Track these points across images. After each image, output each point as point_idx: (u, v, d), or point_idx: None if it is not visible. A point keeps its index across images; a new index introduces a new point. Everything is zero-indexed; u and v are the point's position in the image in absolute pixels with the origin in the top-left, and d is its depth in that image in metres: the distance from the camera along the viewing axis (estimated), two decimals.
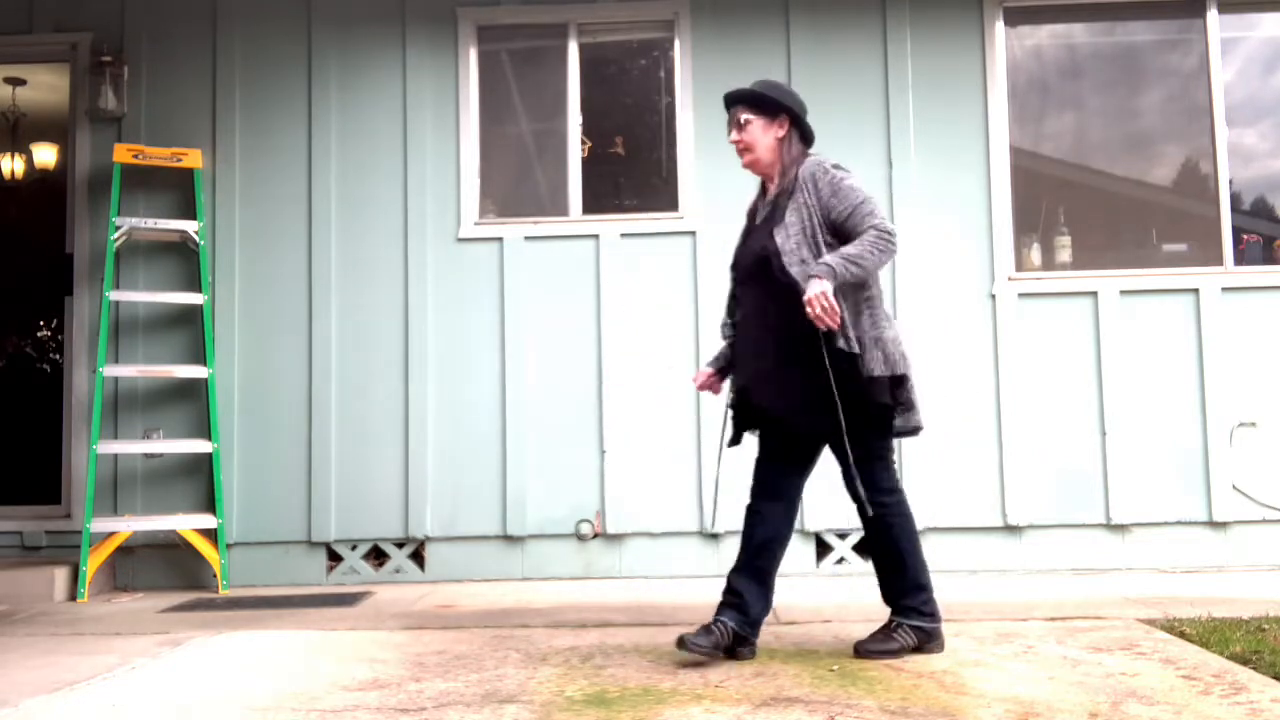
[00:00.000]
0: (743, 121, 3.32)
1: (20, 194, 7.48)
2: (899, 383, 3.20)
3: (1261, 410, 5.02)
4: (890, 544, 3.28)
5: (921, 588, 3.29)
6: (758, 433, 3.41)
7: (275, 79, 5.34)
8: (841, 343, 3.09)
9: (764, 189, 3.43)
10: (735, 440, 3.44)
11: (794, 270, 3.12)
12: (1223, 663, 3.05)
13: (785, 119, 3.31)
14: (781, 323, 3.16)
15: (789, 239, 3.16)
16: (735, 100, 3.36)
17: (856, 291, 3.16)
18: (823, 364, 3.08)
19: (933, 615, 3.28)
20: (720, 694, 2.79)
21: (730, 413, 3.42)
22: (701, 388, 3.50)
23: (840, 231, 3.17)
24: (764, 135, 3.31)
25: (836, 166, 3.24)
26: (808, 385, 3.12)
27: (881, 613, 3.97)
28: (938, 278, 5.12)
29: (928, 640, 3.27)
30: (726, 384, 3.51)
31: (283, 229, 5.27)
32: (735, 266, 3.43)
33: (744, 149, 3.34)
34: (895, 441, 3.35)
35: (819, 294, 3.01)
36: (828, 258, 3.08)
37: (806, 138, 3.37)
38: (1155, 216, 5.37)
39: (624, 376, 5.13)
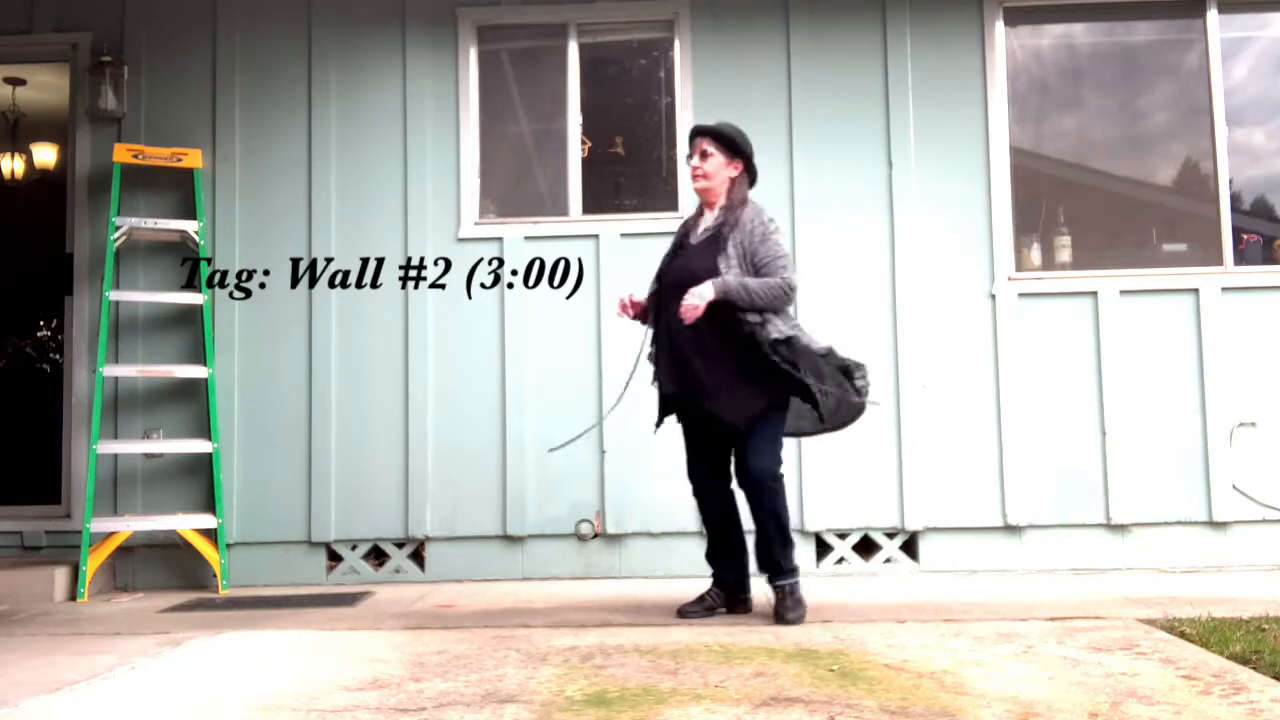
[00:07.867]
0: (706, 152, 3.85)
1: (20, 194, 7.47)
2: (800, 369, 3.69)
3: (1261, 410, 5.02)
4: (771, 512, 3.80)
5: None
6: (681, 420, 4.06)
7: (275, 79, 5.34)
8: (774, 333, 3.69)
9: (701, 212, 3.98)
10: (659, 424, 4.08)
11: None
12: (1223, 663, 3.05)
13: (740, 162, 3.87)
14: (715, 329, 3.70)
15: (730, 268, 3.75)
16: (702, 133, 3.89)
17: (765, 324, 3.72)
18: (751, 362, 3.69)
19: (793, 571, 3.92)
20: (720, 694, 2.79)
21: (658, 403, 4.04)
22: (635, 316, 4.00)
23: (756, 271, 3.76)
24: (722, 170, 3.86)
25: (769, 220, 3.83)
26: (734, 384, 3.72)
27: (882, 612, 3.98)
28: (938, 278, 5.12)
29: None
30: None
31: (282, 228, 5.27)
32: (662, 277, 3.94)
33: (701, 176, 3.87)
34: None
35: (697, 293, 3.65)
36: (729, 276, 3.71)
37: (753, 182, 3.94)
38: (1155, 216, 5.37)
39: (624, 376, 5.11)
